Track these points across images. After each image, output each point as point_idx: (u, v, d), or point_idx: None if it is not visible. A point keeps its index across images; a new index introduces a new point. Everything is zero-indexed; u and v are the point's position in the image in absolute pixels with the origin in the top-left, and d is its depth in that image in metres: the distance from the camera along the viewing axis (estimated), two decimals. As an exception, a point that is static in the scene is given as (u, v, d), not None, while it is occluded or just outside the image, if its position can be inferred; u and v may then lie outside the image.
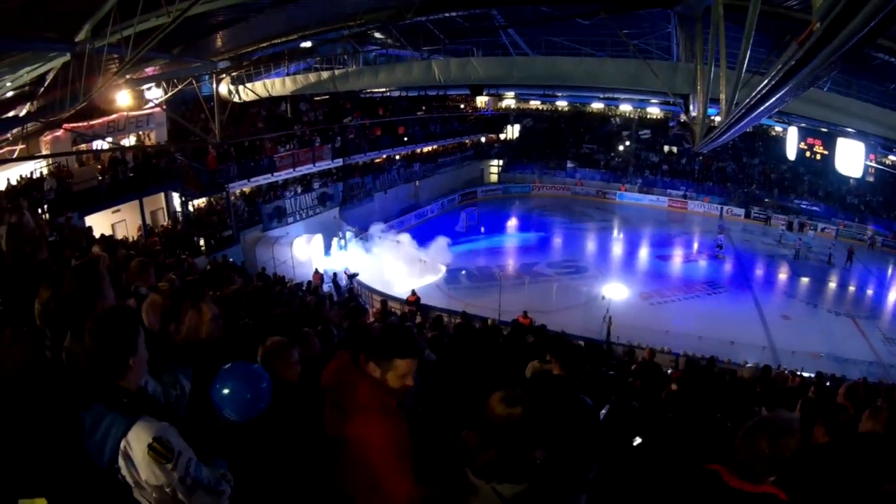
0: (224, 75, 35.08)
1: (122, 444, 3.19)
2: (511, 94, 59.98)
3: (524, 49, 37.11)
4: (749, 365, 20.50)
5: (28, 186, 28.43)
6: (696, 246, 47.79)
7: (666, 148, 62.59)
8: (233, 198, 37.13)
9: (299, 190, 41.85)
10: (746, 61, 12.19)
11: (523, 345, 15.26)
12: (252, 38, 29.68)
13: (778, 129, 54.48)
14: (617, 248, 47.86)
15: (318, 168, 43.24)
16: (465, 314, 23.14)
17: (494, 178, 63.57)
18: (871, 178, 43.17)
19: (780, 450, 3.74)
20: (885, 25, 5.24)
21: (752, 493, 3.73)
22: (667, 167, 61.18)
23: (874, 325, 33.73)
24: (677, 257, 44.67)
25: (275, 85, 35.68)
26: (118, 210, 31.85)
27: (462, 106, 62.67)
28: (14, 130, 28.52)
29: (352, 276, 33.71)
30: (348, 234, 41.03)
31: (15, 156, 29.55)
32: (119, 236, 27.89)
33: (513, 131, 65.17)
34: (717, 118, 17.78)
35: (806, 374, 20.56)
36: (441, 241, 41.97)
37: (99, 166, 31.67)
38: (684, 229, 51.72)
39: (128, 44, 16.35)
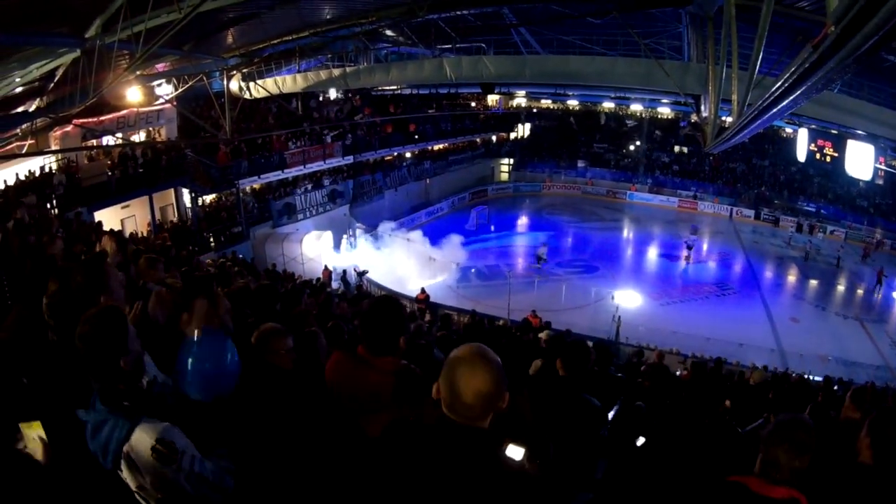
0: (235, 72, 35.11)
1: (126, 447, 3.18)
2: (522, 92, 59.95)
3: (535, 48, 37.06)
4: (758, 368, 20.52)
5: (37, 181, 28.48)
6: (705, 247, 47.58)
7: (677, 148, 62.44)
8: (243, 194, 37.17)
9: (309, 187, 41.89)
10: (759, 62, 12.13)
11: (533, 343, 15.25)
12: (263, 34, 29.70)
13: (788, 130, 54.34)
14: (627, 248, 47.69)
15: (329, 165, 43.21)
16: (475, 313, 23.10)
17: (505, 176, 63.46)
18: (880, 181, 43.01)
19: (800, 455, 3.75)
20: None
21: (773, 497, 3.72)
22: (677, 167, 61.01)
23: (882, 329, 33.62)
24: (686, 258, 44.48)
25: (285, 81, 35.72)
26: (127, 205, 31.95)
27: (473, 104, 62.56)
28: (24, 125, 28.55)
29: (361, 274, 33.68)
30: (358, 232, 40.99)
31: (24, 151, 29.60)
32: (128, 232, 27.98)
33: (523, 130, 65.19)
34: (729, 119, 17.71)
35: (817, 378, 20.49)
36: (451, 240, 41.94)
37: (108, 162, 31.69)
38: (695, 229, 51.45)
39: (138, 40, 16.39)
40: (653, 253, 46.44)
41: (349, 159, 44.73)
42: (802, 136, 40.89)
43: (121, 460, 3.20)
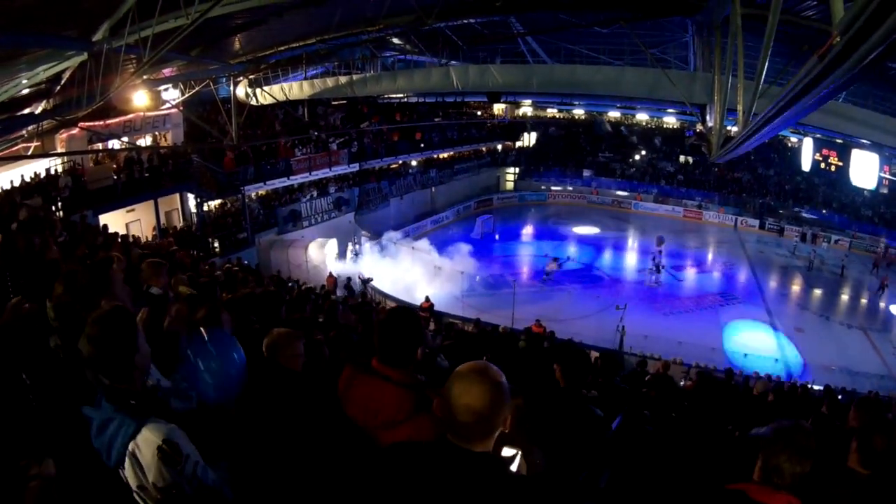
0: (241, 78, 35.19)
1: (131, 446, 3.18)
2: (528, 101, 60.07)
3: (543, 57, 37.12)
4: (762, 377, 20.49)
5: (43, 183, 28.56)
6: (710, 257, 47.55)
7: (682, 158, 62.47)
8: (248, 200, 37.15)
9: (315, 194, 41.89)
10: (765, 72, 12.13)
11: (538, 352, 15.24)
12: (271, 41, 29.75)
13: (793, 139, 54.43)
14: (631, 258, 47.60)
15: (335, 172, 43.28)
16: (479, 321, 23.06)
17: (510, 185, 63.46)
18: (885, 190, 43.00)
19: (801, 461, 3.79)
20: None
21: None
22: (682, 177, 60.98)
23: (886, 339, 33.54)
24: (691, 268, 44.44)
25: (292, 88, 35.76)
26: (133, 209, 32.00)
27: (479, 113, 62.73)
28: (30, 127, 28.62)
29: (366, 282, 33.71)
30: (363, 239, 40.99)
31: (30, 153, 29.69)
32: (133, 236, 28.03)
33: (529, 139, 65.25)
34: (734, 128, 17.70)
35: (817, 387, 20.44)
36: (456, 248, 42.10)
37: (114, 165, 31.76)
38: (699, 240, 51.45)
39: (146, 44, 16.42)
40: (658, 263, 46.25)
41: (355, 167, 44.81)
42: (807, 145, 41.03)
43: (125, 458, 3.21)
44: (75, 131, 30.16)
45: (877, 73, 23.80)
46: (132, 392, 3.41)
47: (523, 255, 46.10)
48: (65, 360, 4.08)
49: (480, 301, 34.64)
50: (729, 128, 21.31)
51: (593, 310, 34.65)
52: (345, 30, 27.55)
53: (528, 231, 53.61)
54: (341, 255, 38.85)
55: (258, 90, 36.57)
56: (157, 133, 36.25)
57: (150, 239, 30.08)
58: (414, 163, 53.85)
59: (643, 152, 63.99)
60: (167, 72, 30.85)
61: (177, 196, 35.45)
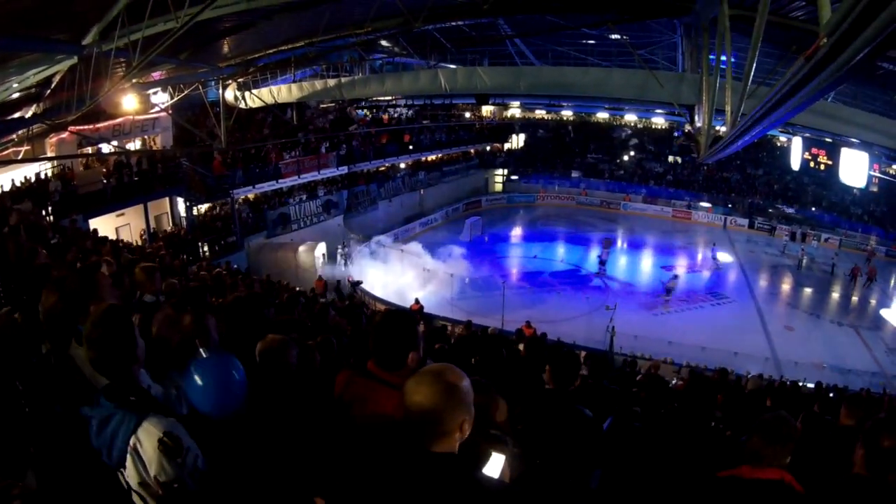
0: (230, 81, 35.18)
1: (133, 440, 3.20)
2: (517, 103, 60.19)
3: (531, 59, 37.21)
4: (752, 375, 20.55)
5: (33, 188, 28.50)
6: (699, 256, 47.64)
7: (671, 158, 62.66)
8: (237, 204, 37.12)
9: (304, 197, 41.83)
10: (753, 72, 12.17)
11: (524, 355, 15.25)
12: (259, 44, 29.74)
13: (782, 139, 54.63)
14: (621, 259, 47.61)
15: (324, 175, 43.20)
16: (470, 323, 23.02)
17: (499, 187, 63.52)
18: (874, 188, 43.19)
19: (784, 444, 4.07)
20: (893, 41, 5.23)
21: (764, 479, 3.87)
22: (671, 177, 61.12)
23: (877, 336, 33.66)
24: (681, 267, 44.51)
25: (281, 91, 35.82)
26: (122, 213, 31.97)
27: (468, 115, 62.75)
28: (20, 132, 28.55)
29: (355, 284, 33.69)
30: (352, 242, 40.98)
31: (20, 157, 29.61)
32: (123, 240, 27.97)
33: (518, 140, 65.30)
34: (723, 129, 17.75)
35: (809, 385, 20.50)
36: (445, 251, 42.18)
37: (104, 169, 31.69)
38: (688, 239, 51.56)
39: (135, 48, 16.40)
40: (647, 263, 46.39)
41: (344, 170, 44.73)
42: (796, 144, 41.17)
43: (126, 455, 3.22)
44: (65, 135, 30.05)
45: (865, 72, 23.91)
46: (132, 389, 3.43)
47: (513, 257, 46.01)
48: (56, 366, 4.09)
49: (470, 303, 34.58)
50: (718, 128, 21.35)
51: (583, 311, 34.69)
52: (333, 33, 27.51)
53: (517, 233, 53.68)
54: (331, 258, 38.83)
55: (247, 93, 36.61)
56: (146, 137, 36.15)
57: (139, 243, 30.06)
58: (403, 165, 53.86)
59: (632, 153, 64.13)
60: (156, 75, 30.81)
61: (166, 200, 35.42)
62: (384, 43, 36.07)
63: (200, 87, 33.86)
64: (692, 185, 59.78)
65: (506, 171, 63.51)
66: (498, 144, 64.63)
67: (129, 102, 32.45)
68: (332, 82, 33.79)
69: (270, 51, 31.30)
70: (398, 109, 53.86)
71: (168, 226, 35.84)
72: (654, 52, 31.69)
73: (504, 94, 37.99)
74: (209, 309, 6.11)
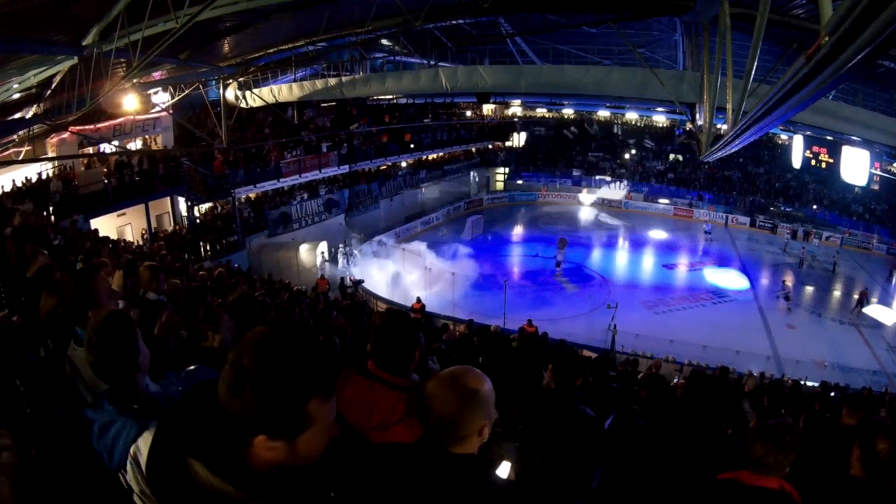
0: (231, 80, 35.14)
1: (133, 449, 3.18)
2: (518, 101, 60.09)
3: (532, 57, 37.16)
4: (753, 375, 20.53)
5: (34, 188, 28.50)
6: (700, 254, 47.63)
7: (672, 156, 62.61)
8: (238, 203, 37.09)
9: (305, 196, 41.78)
10: (754, 71, 12.14)
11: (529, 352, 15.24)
12: (260, 43, 29.75)
13: (783, 137, 54.56)
14: (622, 257, 47.67)
15: (325, 174, 43.11)
16: (472, 322, 22.99)
17: (500, 185, 63.46)
18: (875, 186, 43.21)
19: (787, 452, 4.02)
20: (895, 40, 5.21)
21: (766, 488, 3.91)
22: (672, 175, 61.09)
23: (878, 335, 33.58)
24: (682, 266, 44.51)
25: (281, 91, 35.80)
26: (123, 213, 31.97)
27: (469, 113, 62.72)
28: (21, 132, 28.55)
29: (357, 283, 33.66)
30: (354, 242, 40.96)
31: (21, 157, 29.62)
32: (125, 240, 27.96)
33: (519, 139, 65.22)
34: (724, 127, 17.72)
35: (811, 384, 20.47)
36: (447, 249, 42.19)
37: (105, 169, 31.69)
38: (690, 238, 51.55)
39: (135, 48, 16.41)
40: (648, 261, 46.35)
41: (345, 169, 44.67)
42: (798, 142, 41.13)
43: (126, 461, 3.20)
44: (66, 136, 30.09)
45: (866, 71, 23.87)
46: (135, 396, 3.41)
47: (514, 256, 46.01)
48: (57, 367, 4.08)
49: (472, 302, 34.57)
50: (719, 126, 21.33)
51: (585, 309, 34.67)
52: (333, 32, 27.51)
53: (518, 231, 53.71)
54: (332, 257, 38.81)
55: (247, 93, 36.59)
56: (147, 137, 36.15)
57: (140, 243, 30.04)
58: (403, 164, 53.82)
59: (633, 151, 64.08)
60: (157, 75, 30.84)
61: (167, 200, 35.40)
62: (385, 42, 36.06)
63: (201, 87, 33.88)
64: (694, 184, 59.71)
65: (507, 170, 63.52)
66: (499, 143, 64.58)
67: (129, 102, 32.40)
68: (332, 81, 33.78)
69: (271, 50, 31.31)
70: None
71: (169, 226, 35.82)
72: (655, 50, 31.69)
73: (505, 92, 37.90)
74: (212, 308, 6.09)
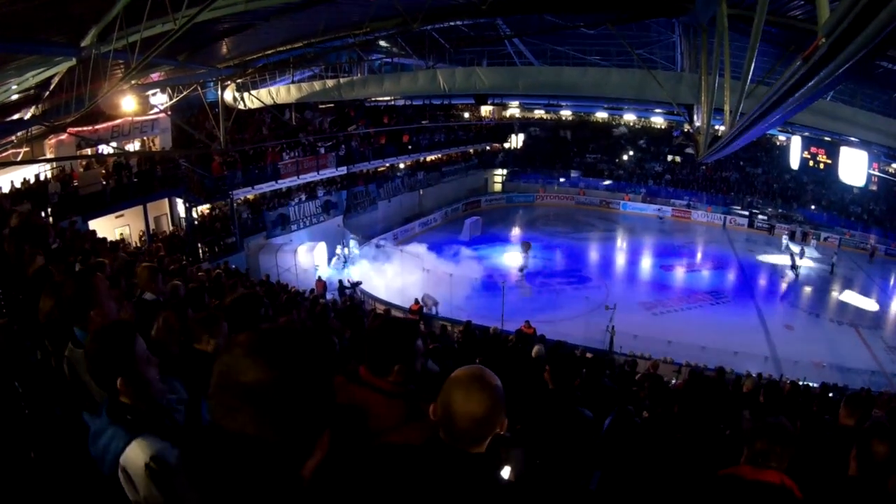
0: (229, 82, 35.13)
1: (122, 459, 3.17)
2: (515, 103, 60.08)
3: (529, 58, 37.11)
4: (751, 375, 20.52)
5: (32, 189, 28.49)
6: (698, 256, 47.68)
7: (669, 157, 62.61)
8: (237, 204, 37.08)
9: (303, 198, 41.79)
10: (751, 72, 12.14)
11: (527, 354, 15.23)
12: (258, 45, 29.72)
13: (781, 138, 54.61)
14: (620, 258, 47.74)
15: (323, 176, 43.12)
16: (469, 323, 22.99)
17: (498, 187, 63.66)
18: (874, 187, 43.22)
19: (784, 447, 4.12)
20: (892, 40, 5.22)
21: (767, 481, 3.97)
22: (670, 177, 61.13)
23: (877, 335, 33.63)
24: (680, 267, 44.55)
25: (279, 92, 35.80)
26: (122, 215, 31.97)
27: (466, 115, 62.80)
28: (18, 133, 28.55)
29: (354, 285, 33.63)
30: (352, 243, 40.99)
31: (19, 159, 29.62)
32: (124, 241, 27.98)
33: (517, 140, 65.16)
34: (722, 128, 17.73)
35: (809, 384, 20.48)
36: (445, 251, 42.20)
37: (103, 171, 31.65)
38: (687, 239, 51.61)
39: (133, 50, 16.41)
40: (646, 263, 46.40)
41: (343, 170, 44.66)
42: (796, 143, 41.13)
43: (117, 470, 3.20)
44: (64, 137, 30.07)
45: (864, 72, 23.87)
46: (131, 407, 3.41)
47: (512, 257, 45.95)
48: (55, 370, 4.09)
49: (470, 303, 34.54)
50: (717, 127, 21.33)
51: (582, 311, 34.66)
52: (331, 33, 27.51)
53: (516, 232, 53.51)
54: (330, 258, 38.81)
55: (246, 94, 36.57)
56: (145, 138, 36.20)
57: (138, 244, 30.04)
58: (402, 165, 53.85)
59: (630, 152, 64.11)
60: (155, 76, 30.84)
61: (165, 201, 35.49)
62: (382, 43, 36.00)
63: (199, 89, 33.87)
64: (691, 185, 59.76)
65: (505, 171, 63.68)
66: (497, 144, 64.57)
67: (127, 104, 32.36)
68: (330, 83, 33.80)
69: (269, 52, 31.28)
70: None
71: (167, 227, 35.86)
72: (653, 51, 31.65)
73: (503, 94, 37.93)
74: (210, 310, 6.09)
